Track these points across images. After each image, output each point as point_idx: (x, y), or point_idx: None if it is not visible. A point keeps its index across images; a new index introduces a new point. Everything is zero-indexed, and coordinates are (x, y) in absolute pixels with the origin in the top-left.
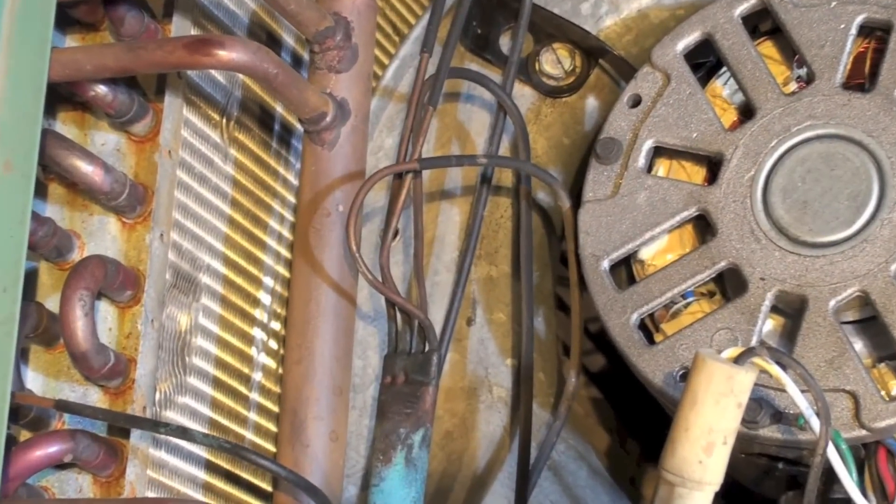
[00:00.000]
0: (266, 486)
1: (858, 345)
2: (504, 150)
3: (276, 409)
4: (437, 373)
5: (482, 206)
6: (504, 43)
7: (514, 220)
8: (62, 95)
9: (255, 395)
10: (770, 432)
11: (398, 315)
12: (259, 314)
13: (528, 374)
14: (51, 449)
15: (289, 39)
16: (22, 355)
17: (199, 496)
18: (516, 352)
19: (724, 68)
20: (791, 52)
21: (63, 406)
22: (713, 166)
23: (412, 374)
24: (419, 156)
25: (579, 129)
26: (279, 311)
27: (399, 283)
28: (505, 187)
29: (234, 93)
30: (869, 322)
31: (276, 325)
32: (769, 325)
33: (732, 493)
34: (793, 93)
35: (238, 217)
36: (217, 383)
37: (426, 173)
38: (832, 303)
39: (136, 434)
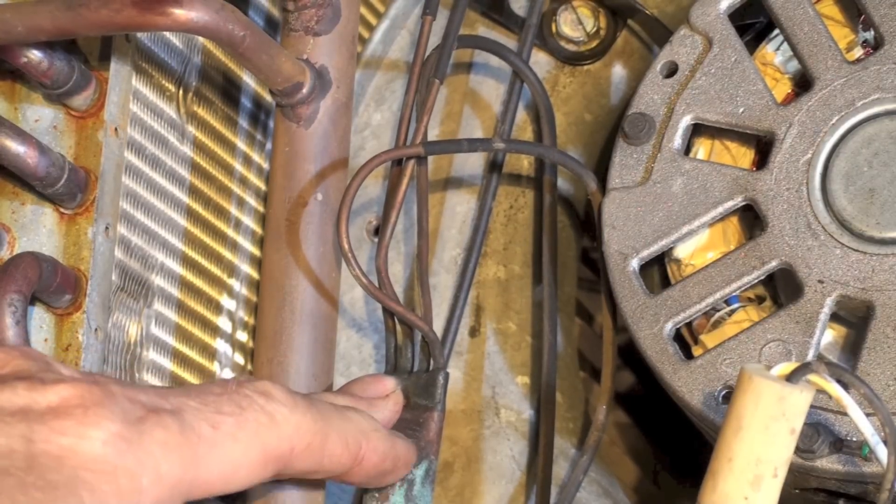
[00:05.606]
0: None
1: None
2: (514, 127)
3: None
4: (443, 395)
5: (491, 198)
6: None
7: (535, 216)
8: None
9: None
10: (829, 463)
11: (398, 327)
12: (223, 323)
13: (549, 396)
14: None
15: None
16: None
17: None
18: (529, 368)
19: (776, 31)
20: (856, 12)
21: None
22: (763, 147)
23: (414, 398)
24: (424, 138)
25: (604, 102)
26: (247, 319)
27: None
28: (516, 174)
29: (193, 59)
30: None
31: (242, 337)
32: (828, 336)
33: None
34: (857, 60)
35: (198, 208)
36: None
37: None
38: None
39: None
